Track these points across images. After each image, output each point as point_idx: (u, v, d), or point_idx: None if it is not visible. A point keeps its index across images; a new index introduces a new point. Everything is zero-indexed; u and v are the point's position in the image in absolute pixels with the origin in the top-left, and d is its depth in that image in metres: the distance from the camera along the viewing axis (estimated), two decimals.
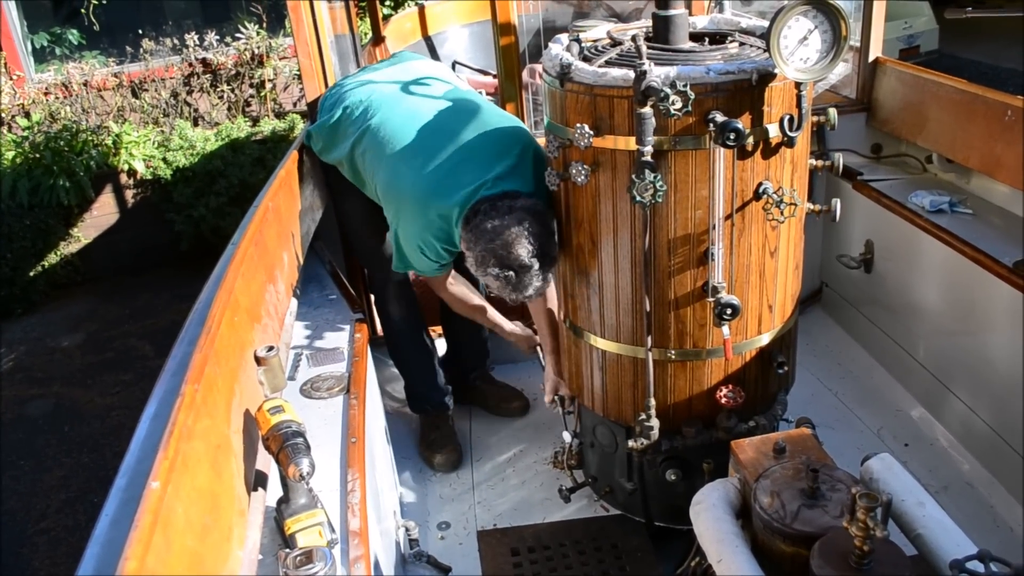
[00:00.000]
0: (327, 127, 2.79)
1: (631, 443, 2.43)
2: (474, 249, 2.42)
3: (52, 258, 6.13)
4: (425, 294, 3.16)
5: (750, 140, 2.12)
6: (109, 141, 6.18)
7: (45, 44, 7.20)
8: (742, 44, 2.31)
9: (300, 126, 6.32)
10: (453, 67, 4.39)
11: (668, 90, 1.94)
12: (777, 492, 1.76)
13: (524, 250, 2.34)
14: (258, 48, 6.98)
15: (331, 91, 2.94)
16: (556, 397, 2.86)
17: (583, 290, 2.47)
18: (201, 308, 1.87)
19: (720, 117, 2.02)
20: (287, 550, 1.58)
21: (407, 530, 2.64)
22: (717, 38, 2.38)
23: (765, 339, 2.41)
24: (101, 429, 4.51)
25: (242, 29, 7.00)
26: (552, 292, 2.86)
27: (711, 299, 2.24)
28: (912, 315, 3.22)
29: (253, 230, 2.20)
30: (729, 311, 2.21)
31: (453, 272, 2.86)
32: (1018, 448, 2.67)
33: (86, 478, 4.13)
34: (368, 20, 5.19)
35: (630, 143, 2.09)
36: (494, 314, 3.04)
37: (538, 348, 3.05)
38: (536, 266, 2.38)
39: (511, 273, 2.38)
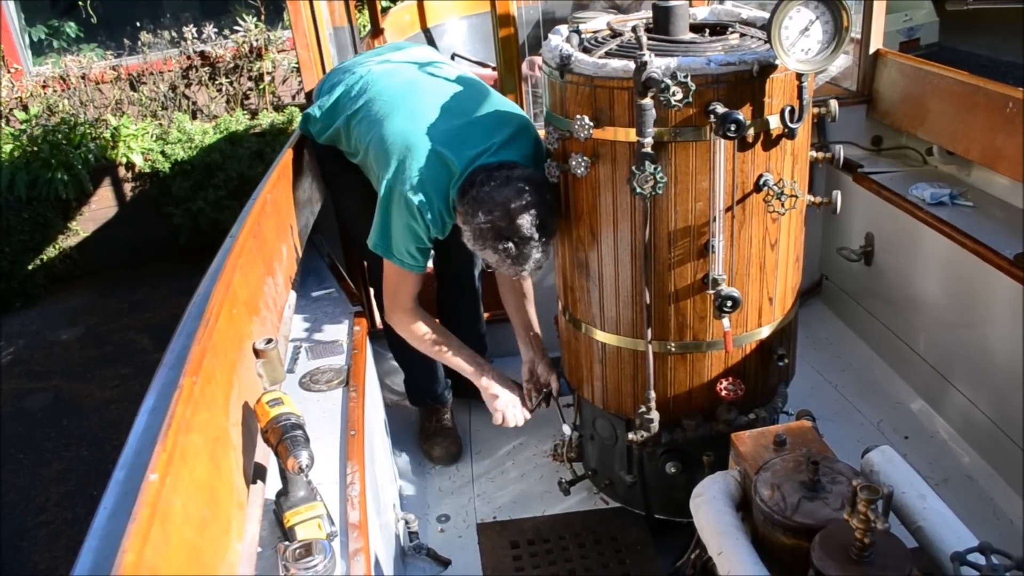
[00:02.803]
0: (326, 108, 2.75)
1: (631, 436, 2.43)
2: (471, 221, 2.34)
3: (50, 251, 6.12)
4: (424, 286, 3.14)
5: (751, 132, 2.11)
6: (107, 134, 6.16)
7: (43, 37, 7.18)
8: (743, 35, 2.31)
9: (299, 119, 6.30)
10: (452, 60, 4.38)
11: (669, 81, 1.93)
12: (777, 484, 1.76)
13: (525, 221, 2.28)
14: (256, 41, 6.96)
15: (329, 76, 2.91)
16: (539, 389, 2.85)
17: (583, 282, 2.46)
18: (199, 301, 1.86)
19: (721, 108, 2.01)
20: (286, 543, 1.58)
21: (407, 523, 2.64)
22: (718, 29, 2.38)
23: (765, 332, 2.41)
24: (100, 422, 4.51)
25: (240, 22, 6.98)
26: (528, 286, 2.85)
27: (711, 291, 2.23)
28: (912, 308, 3.22)
29: (251, 223, 2.19)
30: (729, 303, 2.20)
31: (420, 307, 2.70)
32: (1018, 440, 2.67)
33: (85, 471, 4.12)
34: (366, 12, 5.18)
35: (630, 134, 2.08)
36: (460, 356, 2.78)
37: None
38: (537, 237, 2.31)
39: (511, 245, 2.31)
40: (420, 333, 2.72)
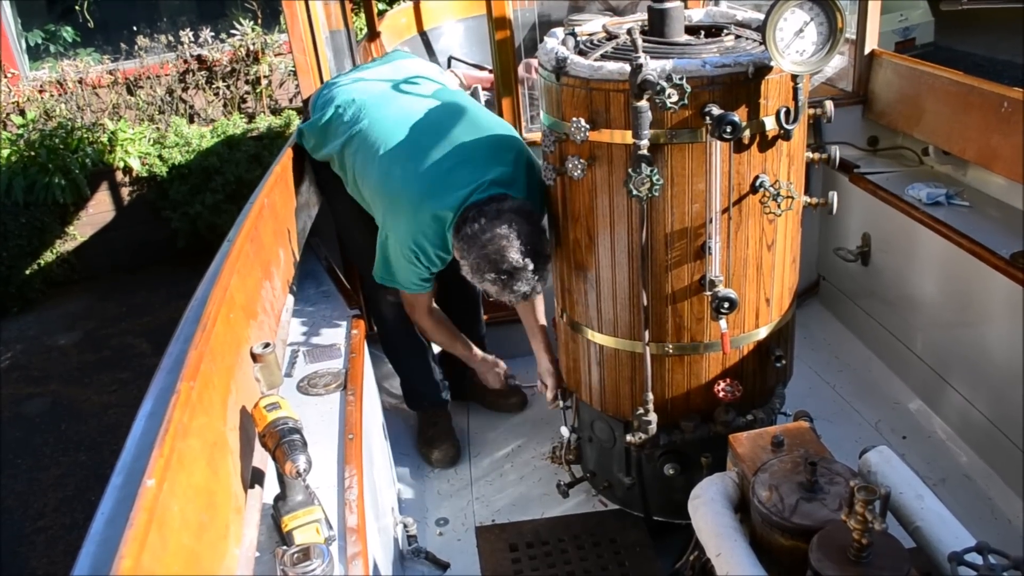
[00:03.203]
0: (318, 126, 2.79)
1: (629, 438, 2.43)
2: (468, 257, 2.44)
3: (48, 256, 6.11)
4: None
5: (747, 133, 2.11)
6: (104, 138, 6.16)
7: (40, 41, 7.18)
8: (738, 37, 2.31)
9: (296, 122, 6.31)
10: (449, 63, 4.38)
11: (664, 83, 1.93)
12: (775, 486, 1.76)
13: (515, 252, 2.36)
14: (253, 44, 6.96)
15: (322, 90, 2.93)
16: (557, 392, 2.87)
17: (580, 285, 2.46)
18: (197, 305, 1.86)
19: (716, 110, 2.02)
20: (284, 547, 1.58)
21: (405, 526, 2.64)
22: (713, 31, 2.38)
23: (763, 333, 2.41)
24: (98, 427, 4.50)
25: (237, 25, 6.98)
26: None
27: (708, 293, 2.24)
28: (909, 308, 3.22)
29: (249, 227, 2.19)
30: (726, 305, 2.20)
31: (434, 303, 2.87)
32: (1016, 440, 2.67)
33: (83, 476, 4.12)
34: (363, 16, 5.17)
35: (626, 137, 2.08)
36: (467, 348, 3.07)
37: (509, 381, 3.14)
38: (530, 266, 2.39)
39: (506, 276, 2.40)
40: (434, 335, 3.00)
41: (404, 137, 2.57)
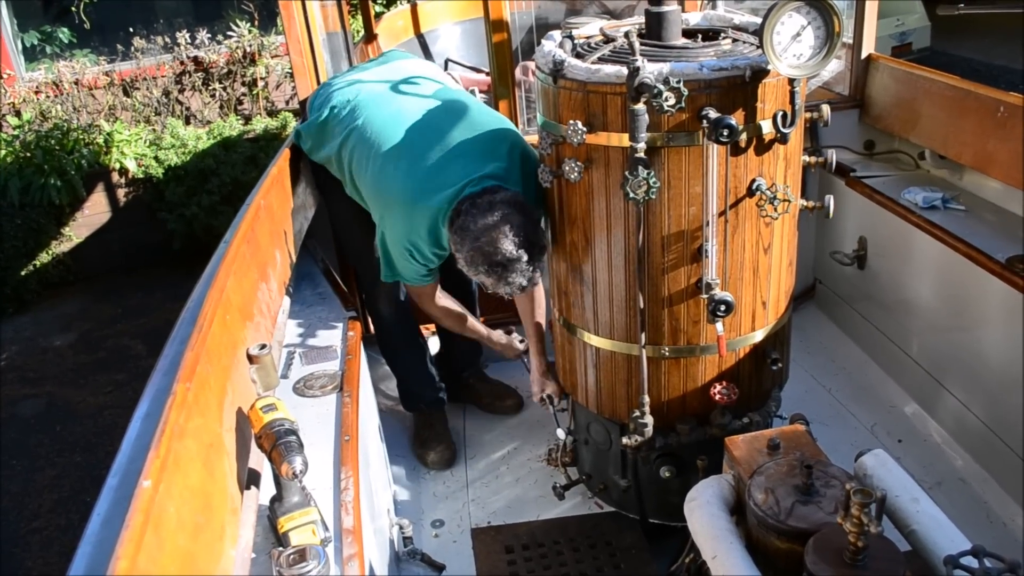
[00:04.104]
0: (315, 126, 2.79)
1: (625, 440, 2.43)
2: (462, 250, 2.43)
3: (44, 257, 6.10)
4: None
5: (743, 136, 2.12)
6: (100, 140, 6.15)
7: (35, 43, 7.17)
8: (735, 40, 2.31)
9: (292, 124, 6.31)
10: (446, 65, 4.38)
11: (661, 86, 1.94)
12: (771, 488, 1.76)
13: (509, 243, 2.33)
14: (250, 46, 6.96)
15: (319, 91, 2.93)
16: (544, 396, 2.87)
17: (577, 287, 2.46)
18: (193, 307, 1.86)
19: (713, 113, 2.02)
20: (280, 548, 1.58)
21: (401, 528, 2.63)
22: (710, 35, 2.39)
23: (759, 336, 2.41)
24: (94, 428, 4.49)
25: (234, 27, 6.98)
26: (540, 294, 2.87)
27: (705, 296, 2.24)
28: (905, 311, 3.23)
29: (245, 228, 2.19)
30: (723, 308, 2.21)
31: (440, 288, 2.86)
32: (1011, 444, 2.68)
33: (79, 477, 4.11)
34: (360, 18, 5.18)
35: (623, 140, 2.09)
36: (478, 325, 3.05)
37: (523, 356, 3.07)
38: (524, 258, 2.36)
39: (500, 267, 2.38)
40: (444, 320, 2.99)
41: (399, 136, 2.57)
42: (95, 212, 6.26)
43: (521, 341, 3.10)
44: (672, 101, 1.96)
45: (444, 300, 2.91)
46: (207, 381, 1.57)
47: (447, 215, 2.48)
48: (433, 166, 2.50)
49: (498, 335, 3.08)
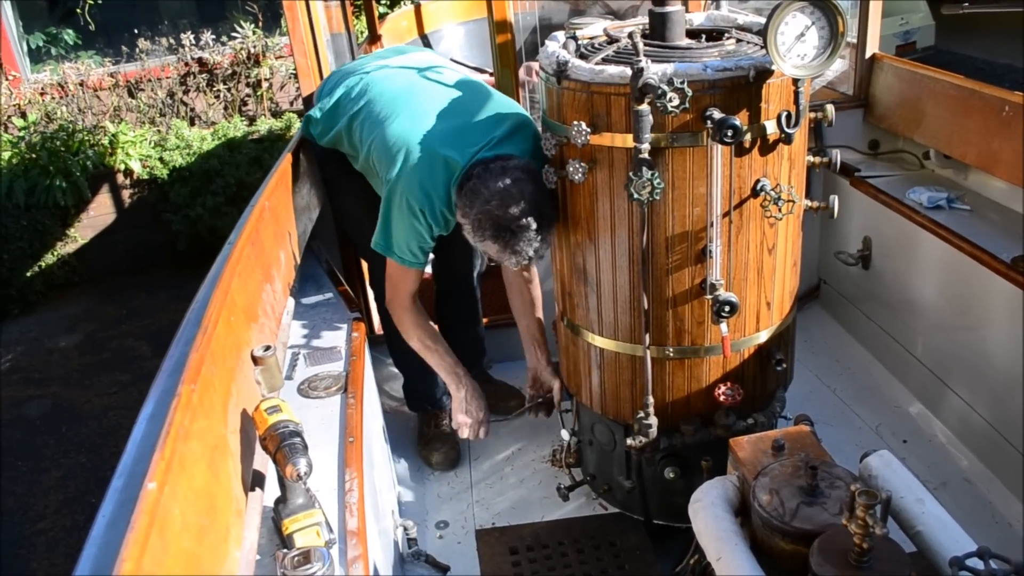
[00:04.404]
0: (327, 109, 2.77)
1: (629, 441, 2.43)
2: (470, 214, 2.38)
3: (49, 258, 6.12)
4: (423, 290, 3.15)
5: (748, 137, 2.11)
6: (105, 141, 6.17)
7: (41, 44, 7.19)
8: (739, 41, 2.31)
9: (297, 125, 6.31)
10: None
11: (665, 87, 1.94)
12: (776, 490, 1.76)
13: (517, 209, 2.29)
14: (254, 47, 6.98)
15: (329, 77, 2.94)
16: (541, 396, 2.87)
17: (581, 288, 2.46)
18: (197, 308, 1.86)
19: (718, 114, 2.02)
20: (285, 550, 1.58)
21: (405, 529, 2.63)
22: (714, 35, 2.38)
23: (763, 336, 2.41)
24: (99, 429, 4.50)
25: (238, 28, 6.99)
26: (536, 291, 2.86)
27: (709, 296, 2.24)
28: (910, 312, 3.22)
29: (250, 229, 2.19)
30: (727, 308, 2.20)
31: (419, 304, 2.74)
32: (1017, 444, 2.67)
33: (84, 479, 4.12)
34: (364, 18, 5.18)
35: (627, 140, 2.09)
36: (447, 356, 2.81)
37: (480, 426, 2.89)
38: (533, 225, 2.32)
39: (508, 234, 2.33)
40: (413, 331, 2.77)
41: (415, 103, 2.56)
42: (100, 213, 6.28)
43: (491, 420, 2.90)
44: (676, 102, 1.96)
45: (419, 310, 2.76)
46: (212, 383, 1.57)
47: (459, 177, 2.44)
48: (454, 123, 2.48)
49: (465, 387, 2.82)
